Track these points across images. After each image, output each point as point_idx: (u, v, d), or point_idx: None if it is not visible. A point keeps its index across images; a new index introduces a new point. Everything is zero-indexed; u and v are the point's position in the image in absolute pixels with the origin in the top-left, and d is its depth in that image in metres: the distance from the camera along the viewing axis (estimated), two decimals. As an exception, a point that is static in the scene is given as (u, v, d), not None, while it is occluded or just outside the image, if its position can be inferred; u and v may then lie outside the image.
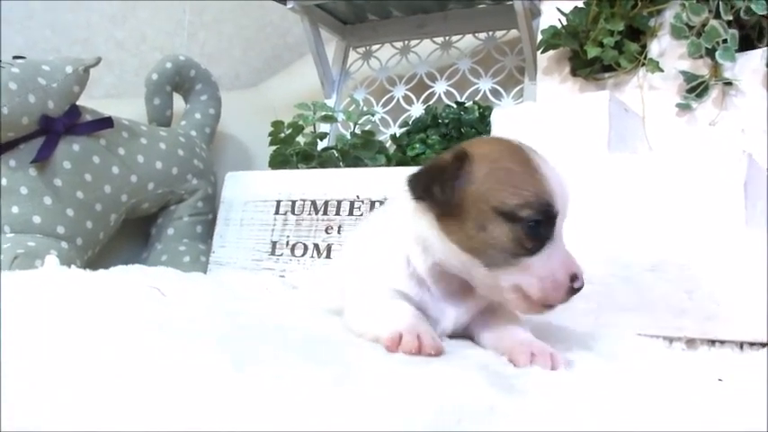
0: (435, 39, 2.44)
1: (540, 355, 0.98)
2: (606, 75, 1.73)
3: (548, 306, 1.01)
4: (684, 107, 1.60)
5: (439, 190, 1.00)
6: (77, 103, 2.06)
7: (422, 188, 1.03)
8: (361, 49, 2.58)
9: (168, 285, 1.39)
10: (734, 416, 0.88)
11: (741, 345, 1.24)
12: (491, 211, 0.99)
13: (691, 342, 1.28)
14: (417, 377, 0.80)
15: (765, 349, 1.21)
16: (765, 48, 1.55)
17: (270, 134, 2.21)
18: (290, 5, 2.35)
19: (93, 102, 2.19)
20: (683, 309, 1.29)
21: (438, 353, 0.95)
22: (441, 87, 2.34)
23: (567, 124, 1.52)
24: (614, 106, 1.50)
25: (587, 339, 1.23)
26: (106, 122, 2.08)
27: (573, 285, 0.99)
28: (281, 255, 1.99)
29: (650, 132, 1.60)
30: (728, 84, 1.55)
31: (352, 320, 1.11)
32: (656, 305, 1.31)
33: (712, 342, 1.26)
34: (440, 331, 1.09)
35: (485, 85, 2.26)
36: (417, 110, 2.33)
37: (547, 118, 1.55)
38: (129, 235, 2.32)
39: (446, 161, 1.02)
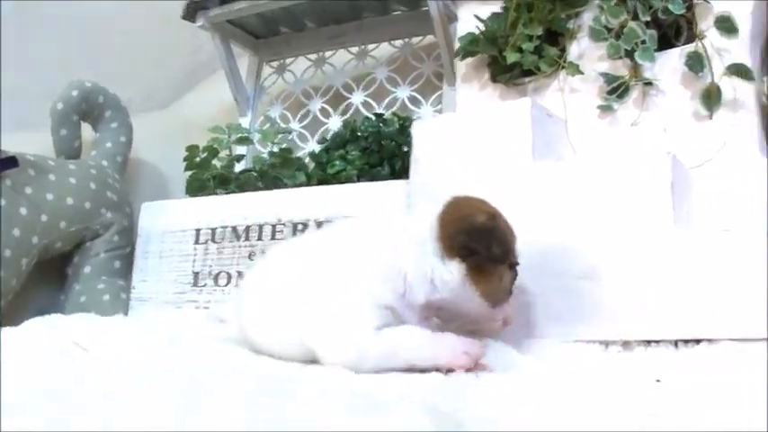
0: (350, 48, 2.37)
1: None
2: (526, 80, 1.69)
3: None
4: (606, 109, 1.57)
5: (498, 249, 1.13)
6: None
7: (486, 248, 1.12)
8: (275, 63, 2.50)
9: (89, 337, 1.29)
10: (672, 414, 0.88)
11: (676, 343, 1.23)
12: (507, 264, 1.17)
13: (626, 344, 1.27)
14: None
15: (699, 346, 1.21)
16: (683, 46, 1.53)
17: (185, 159, 2.12)
18: (199, 23, 2.27)
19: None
20: (618, 312, 1.28)
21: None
22: (358, 98, 2.28)
23: (490, 134, 1.48)
24: (537, 112, 1.46)
25: (523, 351, 1.26)
26: (11, 162, 1.95)
27: None
28: (205, 285, 1.91)
29: (573, 136, 1.57)
30: (649, 84, 1.53)
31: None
32: (591, 312, 1.29)
33: (648, 342, 1.26)
34: None
35: (403, 93, 2.20)
36: (335, 123, 2.27)
37: (468, 128, 1.51)
38: (44, 278, 2.18)
39: (489, 223, 1.14)
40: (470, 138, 1.49)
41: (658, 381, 1.08)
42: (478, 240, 1.11)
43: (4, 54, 2.80)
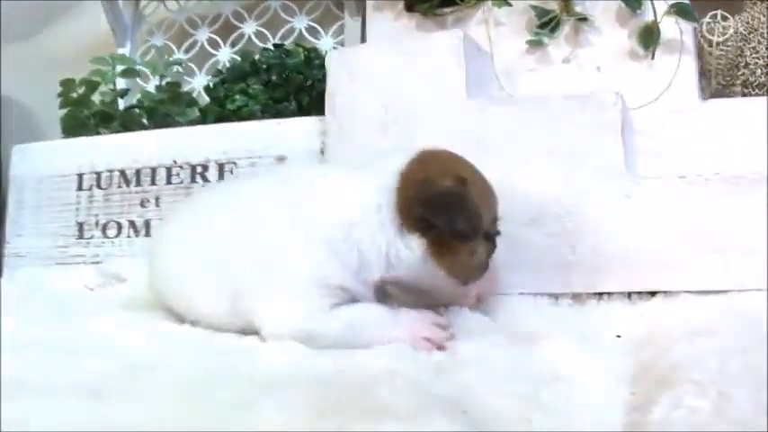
0: (240, -28, 2.19)
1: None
2: (447, 10, 1.58)
3: None
4: (536, 44, 1.48)
5: (465, 222, 0.93)
6: None
7: (448, 220, 0.93)
8: (155, -12, 2.28)
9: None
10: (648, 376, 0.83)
11: (629, 295, 1.18)
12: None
13: (577, 297, 1.20)
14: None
15: (655, 299, 1.16)
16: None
17: (59, 95, 1.90)
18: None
19: None
20: (567, 263, 1.21)
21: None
22: (250, 28, 2.11)
23: (417, 67, 1.37)
24: (468, 46, 1.36)
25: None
26: None
27: None
28: (92, 238, 1.73)
29: (499, 71, 1.48)
30: (582, 19, 1.45)
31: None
32: (537, 262, 1.22)
33: (600, 295, 1.20)
34: None
35: (300, 23, 2.05)
36: (225, 55, 2.09)
37: (392, 61, 1.39)
38: None
39: (454, 188, 0.95)
40: (395, 71, 1.38)
41: (618, 336, 1.03)
42: (439, 212, 0.93)
43: None
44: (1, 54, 2.30)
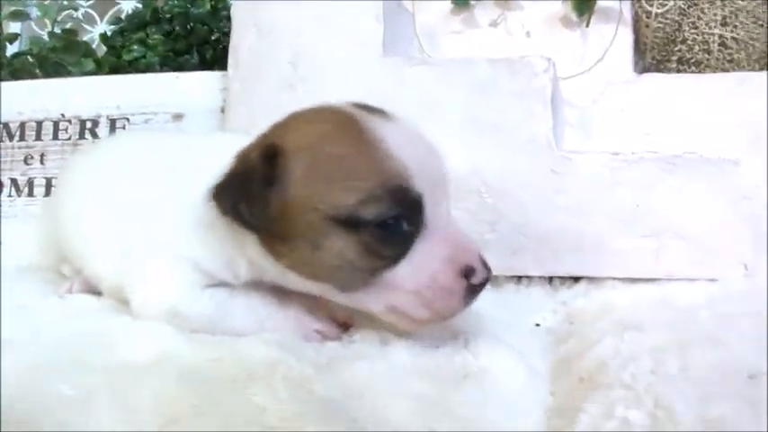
0: None
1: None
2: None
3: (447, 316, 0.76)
4: (462, 4, 1.38)
5: (246, 209, 0.73)
6: None
7: (230, 207, 0.74)
8: (54, -72, 2.10)
9: None
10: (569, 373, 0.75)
11: (550, 280, 1.09)
12: (324, 222, 0.72)
13: (494, 280, 1.08)
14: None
15: (578, 285, 1.07)
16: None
17: (-61, 37, 1.72)
18: None
19: None
20: (485, 242, 1.09)
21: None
22: (157, -25, 1.95)
23: (331, 22, 1.25)
24: (388, 2, 1.25)
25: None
26: None
27: (471, 282, 0.74)
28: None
29: (420, 32, 1.37)
30: (500, -18, 1.37)
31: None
32: (452, 239, 1.12)
33: (519, 279, 1.11)
34: None
35: (208, -30, 1.90)
36: (129, 4, 1.95)
37: (305, 15, 1.26)
38: None
39: (252, 163, 0.75)
40: (306, 26, 1.26)
41: (538, 325, 0.95)
42: (224, 197, 0.75)
43: None
44: None
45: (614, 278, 1.06)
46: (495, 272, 1.05)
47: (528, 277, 1.11)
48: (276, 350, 0.71)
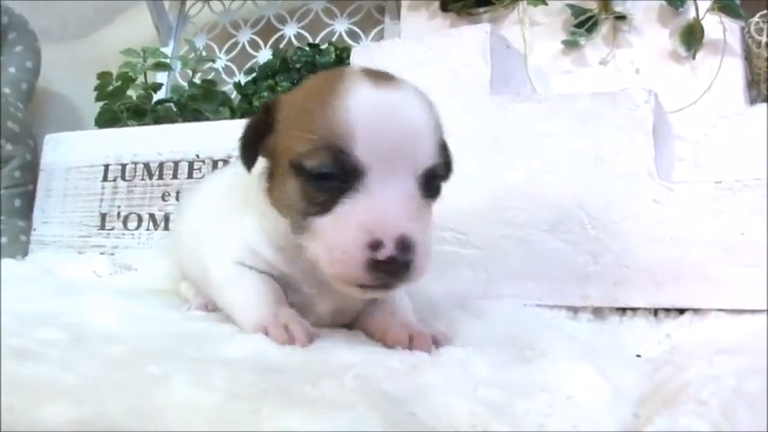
0: (284, -24, 2.16)
1: (418, 338, 0.84)
2: (481, 9, 1.52)
3: (364, 286, 0.76)
4: (572, 44, 1.40)
5: (242, 149, 0.85)
6: None
7: (239, 149, 0.87)
8: (201, -10, 2.28)
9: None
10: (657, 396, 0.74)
11: (655, 312, 1.08)
12: (287, 164, 0.80)
13: (598, 311, 1.10)
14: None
15: (683, 317, 1.05)
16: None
17: (96, 88, 1.90)
18: (117, -60, 2.03)
19: None
20: (588, 274, 1.10)
21: (308, 342, 0.80)
22: (291, 30, 2.08)
23: (442, 62, 1.29)
24: (495, 41, 1.28)
25: (476, 313, 1.05)
26: None
27: (376, 257, 0.73)
28: (113, 229, 1.70)
29: (532, 72, 1.41)
30: (621, 18, 1.38)
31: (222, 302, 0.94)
32: (556, 271, 1.13)
33: (623, 311, 1.10)
34: (314, 319, 0.90)
35: (341, 26, 2.01)
36: (265, 56, 2.05)
37: (416, 56, 1.32)
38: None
39: (256, 115, 0.87)
40: (418, 66, 1.31)
41: (639, 356, 0.93)
42: (240, 141, 0.87)
43: None
44: (52, 50, 2.29)
45: (720, 309, 1.02)
46: (598, 303, 1.08)
47: (632, 309, 1.09)
48: (360, 355, 0.75)
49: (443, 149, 0.85)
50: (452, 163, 0.88)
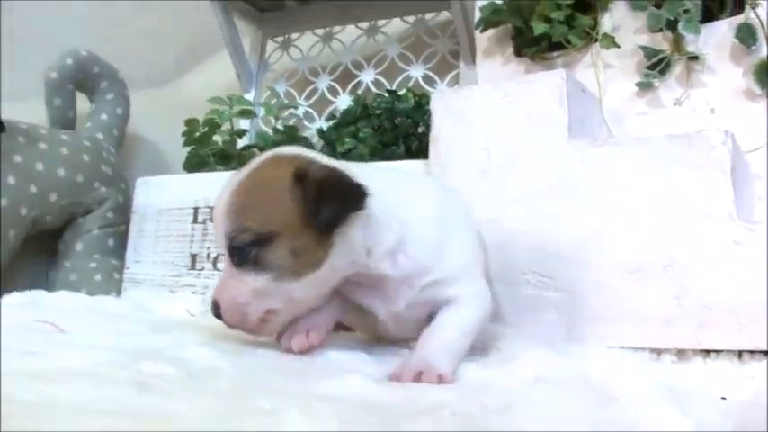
0: (360, 24, 2.25)
1: (426, 374, 0.91)
2: (555, 54, 1.58)
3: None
4: (645, 86, 1.45)
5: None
6: (-38, 107, 1.81)
7: None
8: (280, 39, 2.37)
9: (69, 317, 1.17)
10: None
11: (740, 354, 1.09)
12: None
13: (681, 353, 1.13)
14: None
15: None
16: (732, 18, 1.41)
17: (183, 134, 2.00)
18: (201, -8, 2.14)
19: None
20: (671, 316, 1.14)
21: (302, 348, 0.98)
22: (368, 76, 2.16)
23: (519, 109, 1.35)
24: (572, 86, 1.33)
25: (560, 355, 1.09)
26: (-3, 126, 1.83)
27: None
28: (202, 269, 1.79)
29: (607, 115, 1.45)
30: (694, 58, 1.41)
31: None
32: (638, 313, 1.16)
33: (707, 352, 1.12)
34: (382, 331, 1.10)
35: (416, 72, 2.08)
36: (344, 101, 2.14)
37: (495, 102, 1.37)
38: (33, 253, 2.05)
39: None
40: (497, 112, 1.36)
41: (724, 398, 0.95)
42: None
43: (1, 24, 2.68)
44: (138, 97, 2.41)
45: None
46: (682, 345, 1.11)
47: (716, 351, 1.11)
48: (454, 393, 0.81)
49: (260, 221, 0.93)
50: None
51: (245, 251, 0.92)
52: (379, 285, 1.01)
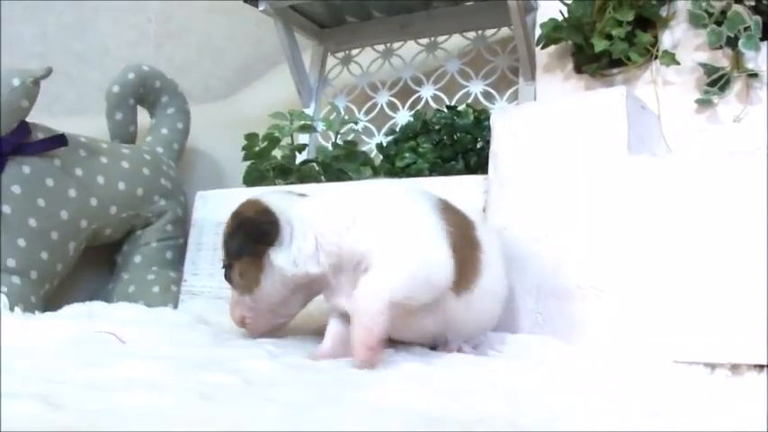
0: (420, 40, 2.25)
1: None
2: (615, 70, 1.56)
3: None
4: (705, 103, 1.42)
5: None
6: (27, 119, 1.84)
7: None
8: (340, 54, 2.39)
9: (129, 328, 1.20)
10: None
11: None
12: None
13: (736, 368, 1.10)
14: None
15: None
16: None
17: (243, 148, 2.02)
18: (261, 7, 2.16)
19: (53, 120, 1.97)
20: (727, 330, 1.11)
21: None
22: (428, 92, 2.16)
23: (579, 125, 1.33)
24: (632, 103, 1.31)
25: (609, 369, 1.10)
26: (59, 140, 1.86)
27: None
28: (259, 282, 1.79)
29: (667, 132, 1.42)
30: (753, 75, 1.39)
31: None
32: (692, 327, 1.14)
33: (761, 367, 1.09)
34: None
35: (476, 87, 2.07)
36: (403, 117, 2.14)
37: (555, 118, 1.36)
38: (92, 265, 2.09)
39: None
40: (557, 128, 1.35)
41: None
42: None
43: (64, 40, 2.75)
44: (198, 111, 2.44)
45: None
46: (735, 360, 1.09)
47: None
48: (507, 406, 0.79)
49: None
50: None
51: (226, 273, 1.24)
52: (328, 286, 1.17)
